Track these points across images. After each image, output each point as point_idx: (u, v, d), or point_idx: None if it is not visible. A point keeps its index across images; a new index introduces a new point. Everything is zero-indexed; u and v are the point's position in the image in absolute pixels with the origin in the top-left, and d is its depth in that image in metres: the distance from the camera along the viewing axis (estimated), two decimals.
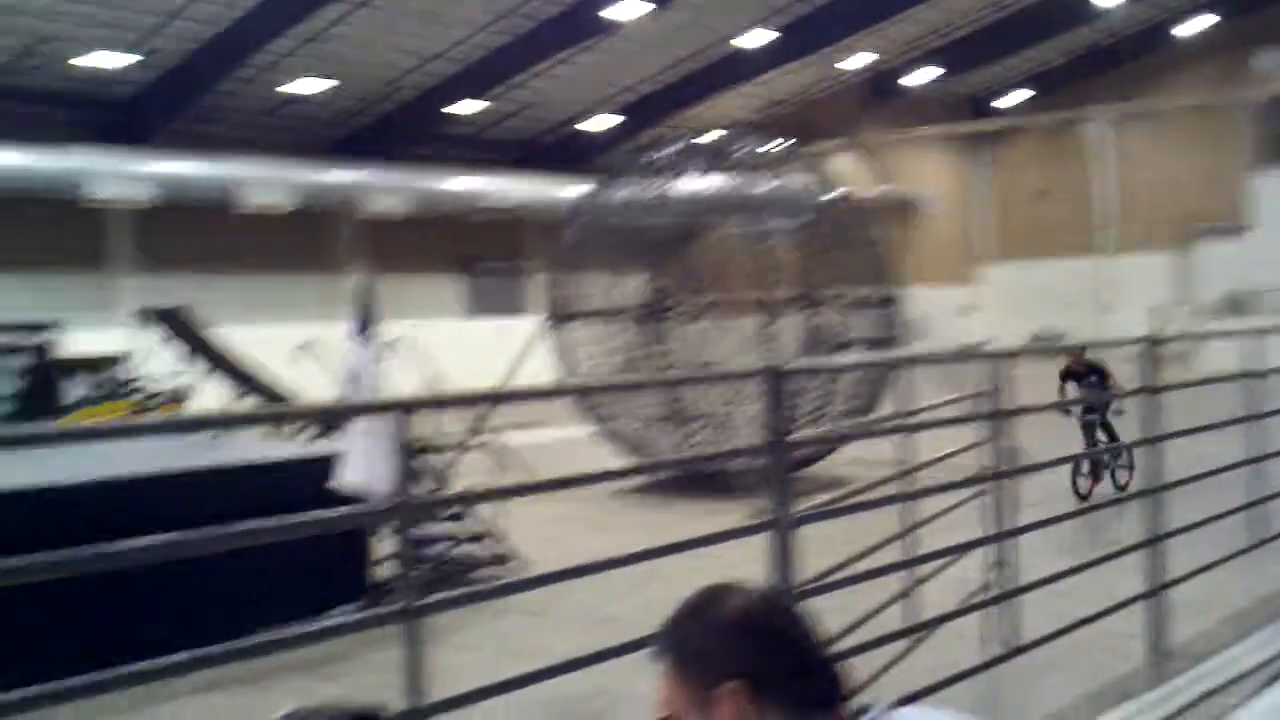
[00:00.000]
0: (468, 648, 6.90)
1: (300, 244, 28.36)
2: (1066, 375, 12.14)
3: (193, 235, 26.14)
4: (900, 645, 5.50)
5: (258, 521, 3.65)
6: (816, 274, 14.71)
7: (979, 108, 40.86)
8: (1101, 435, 12.06)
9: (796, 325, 14.63)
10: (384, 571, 8.80)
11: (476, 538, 9.45)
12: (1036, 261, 39.73)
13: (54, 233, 24.40)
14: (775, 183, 15.04)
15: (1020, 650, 5.68)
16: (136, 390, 18.24)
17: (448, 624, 6.28)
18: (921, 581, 6.29)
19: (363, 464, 7.56)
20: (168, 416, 12.54)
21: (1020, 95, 40.62)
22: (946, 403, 7.17)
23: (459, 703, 3.53)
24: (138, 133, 25.30)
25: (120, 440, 9.28)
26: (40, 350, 17.92)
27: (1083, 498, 11.50)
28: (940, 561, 6.13)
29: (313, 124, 28.95)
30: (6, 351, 17.39)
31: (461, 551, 9.31)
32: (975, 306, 38.22)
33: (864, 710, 1.69)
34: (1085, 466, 11.82)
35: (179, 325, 17.64)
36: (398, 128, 29.68)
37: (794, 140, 18.84)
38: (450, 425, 10.35)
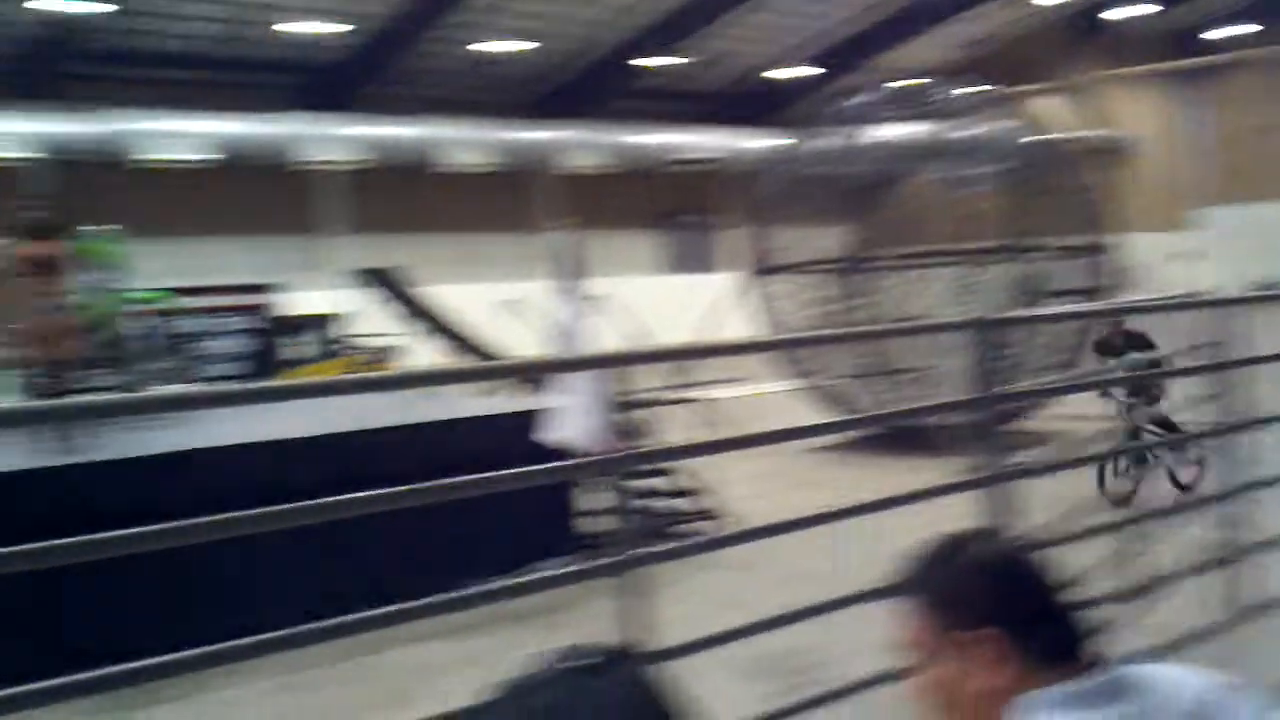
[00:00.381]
0: (676, 601, 6.92)
1: (499, 202, 28.92)
2: (1103, 349, 10.17)
3: (396, 196, 26.93)
4: (1115, 603, 5.35)
5: (482, 475, 3.78)
6: (1020, 222, 14.27)
7: (1192, 43, 38.78)
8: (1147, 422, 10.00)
9: (1000, 275, 14.24)
10: (588, 525, 8.97)
11: (683, 493, 9.54)
12: (1261, 204, 37.52)
13: (266, 196, 25.50)
14: (976, 128, 14.64)
15: (1253, 611, 5.46)
16: (351, 349, 18.95)
17: (655, 577, 6.36)
18: (1146, 539, 6.08)
19: (571, 418, 7.69)
20: (382, 373, 13.01)
21: (1238, 29, 38.40)
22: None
23: (680, 653, 3.59)
24: (340, 97, 26.19)
25: (336, 396, 9.68)
26: (260, 310, 18.78)
27: (1118, 502, 9.38)
28: (1169, 519, 5.91)
29: (509, 83, 29.42)
30: (230, 312, 18.29)
31: (668, 506, 9.40)
32: (1192, 253, 36.43)
33: (1100, 661, 1.67)
34: (1123, 463, 9.72)
35: (393, 286, 18.26)
36: (592, 84, 29.92)
37: (994, 83, 18.29)
38: (652, 381, 10.45)
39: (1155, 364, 9.38)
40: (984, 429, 4.60)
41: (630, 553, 3.72)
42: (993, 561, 1.74)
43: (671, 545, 4.12)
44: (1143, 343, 10.01)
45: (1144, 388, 9.88)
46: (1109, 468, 9.49)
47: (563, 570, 3.91)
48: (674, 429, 9.74)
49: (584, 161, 28.41)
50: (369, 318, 19.54)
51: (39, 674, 2.92)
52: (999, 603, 1.67)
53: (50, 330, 9.06)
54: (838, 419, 10.78)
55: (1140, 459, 9.70)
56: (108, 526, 3.09)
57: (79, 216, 9.97)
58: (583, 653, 1.26)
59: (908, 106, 15.26)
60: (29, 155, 20.93)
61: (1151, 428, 9.89)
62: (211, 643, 3.19)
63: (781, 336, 14.06)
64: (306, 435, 8.34)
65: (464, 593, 3.60)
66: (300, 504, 3.40)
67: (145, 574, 6.37)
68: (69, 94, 22.62)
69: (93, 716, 5.79)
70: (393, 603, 3.47)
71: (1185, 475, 9.66)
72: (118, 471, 7.43)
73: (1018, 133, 14.90)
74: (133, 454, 7.70)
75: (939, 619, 1.70)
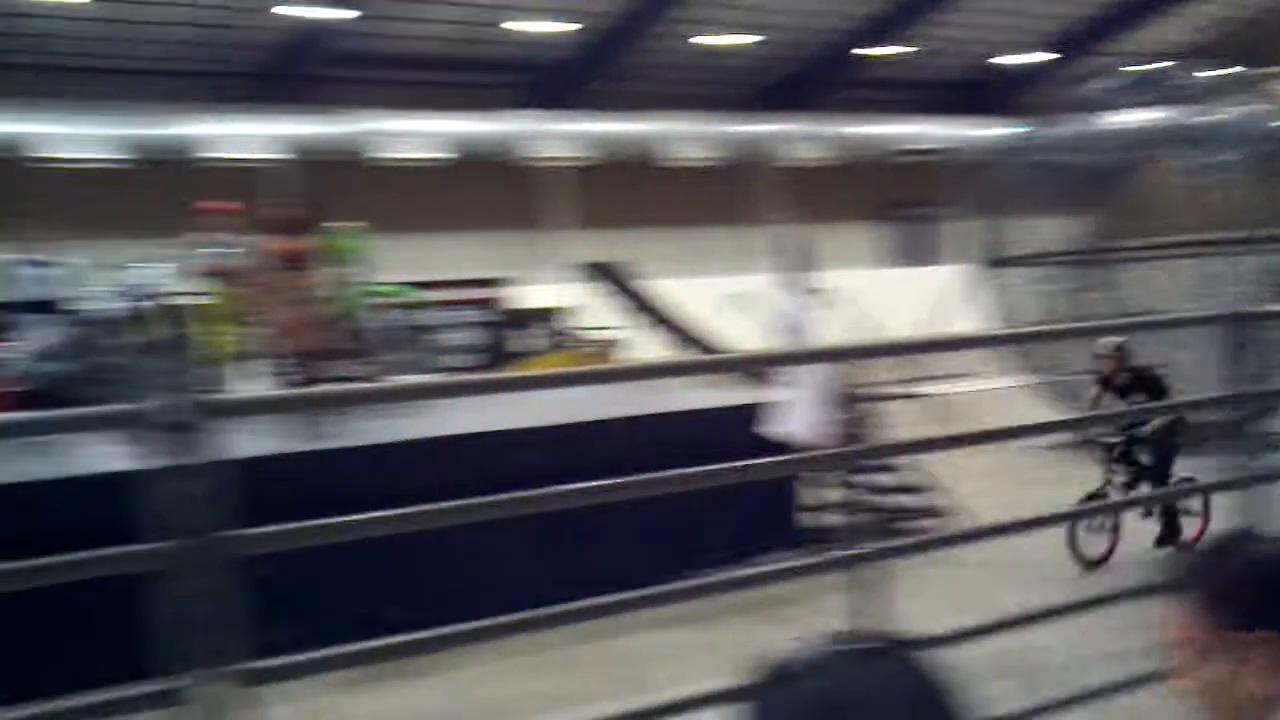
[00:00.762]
0: (907, 596, 6.85)
1: (721, 196, 28.99)
2: (1105, 385, 8.98)
3: (620, 191, 27.31)
4: None
5: (705, 468, 3.81)
6: (1269, 210, 13.50)
7: None
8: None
9: (1248, 266, 13.50)
10: (811, 520, 8.92)
11: (909, 489, 9.40)
12: None
13: (496, 193, 26.23)
14: (1220, 112, 13.92)
15: None
16: (576, 342, 19.30)
17: (884, 572, 6.26)
18: None
19: (796, 412, 7.67)
20: (607, 366, 13.23)
21: None
22: None
23: (930, 646, 3.54)
24: (566, 95, 26.70)
25: (565, 388, 9.87)
26: (491, 304, 19.35)
27: (1090, 564, 8.27)
28: None
29: (732, 76, 29.46)
30: (463, 305, 18.89)
31: (893, 502, 9.28)
32: None
33: None
34: (1099, 517, 8.54)
35: (618, 279, 18.52)
36: (815, 75, 29.68)
37: (1236, 65, 17.33)
38: (878, 375, 10.33)
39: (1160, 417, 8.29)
40: (1237, 428, 4.38)
41: (866, 547, 3.69)
42: (1271, 562, 1.68)
43: (908, 540, 4.06)
44: (1152, 386, 8.75)
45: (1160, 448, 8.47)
46: (1081, 521, 8.36)
47: (796, 563, 3.89)
48: (900, 424, 9.60)
49: (807, 154, 28.22)
50: (594, 311, 19.89)
51: (295, 649, 3.08)
52: (1277, 605, 1.61)
53: (299, 323, 9.53)
54: (1074, 416, 10.41)
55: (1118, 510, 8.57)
56: (351, 510, 3.23)
57: (324, 214, 10.45)
58: (853, 639, 1.25)
59: (1148, 91, 14.62)
60: (277, 156, 22.11)
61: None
62: (449, 624, 3.30)
63: (1014, 330, 13.68)
64: (535, 425, 8.55)
65: (700, 581, 3.64)
66: (530, 492, 3.49)
67: (390, 555, 6.65)
68: (312, 96, 23.77)
69: (345, 690, 6.10)
70: (612, 593, 3.53)
71: (1189, 529, 8.45)
72: (362, 457, 7.78)
73: (1265, 117, 14.11)
74: (375, 441, 8.05)
75: (1212, 618, 1.64)
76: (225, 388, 9.95)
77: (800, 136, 28.08)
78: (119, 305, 12.22)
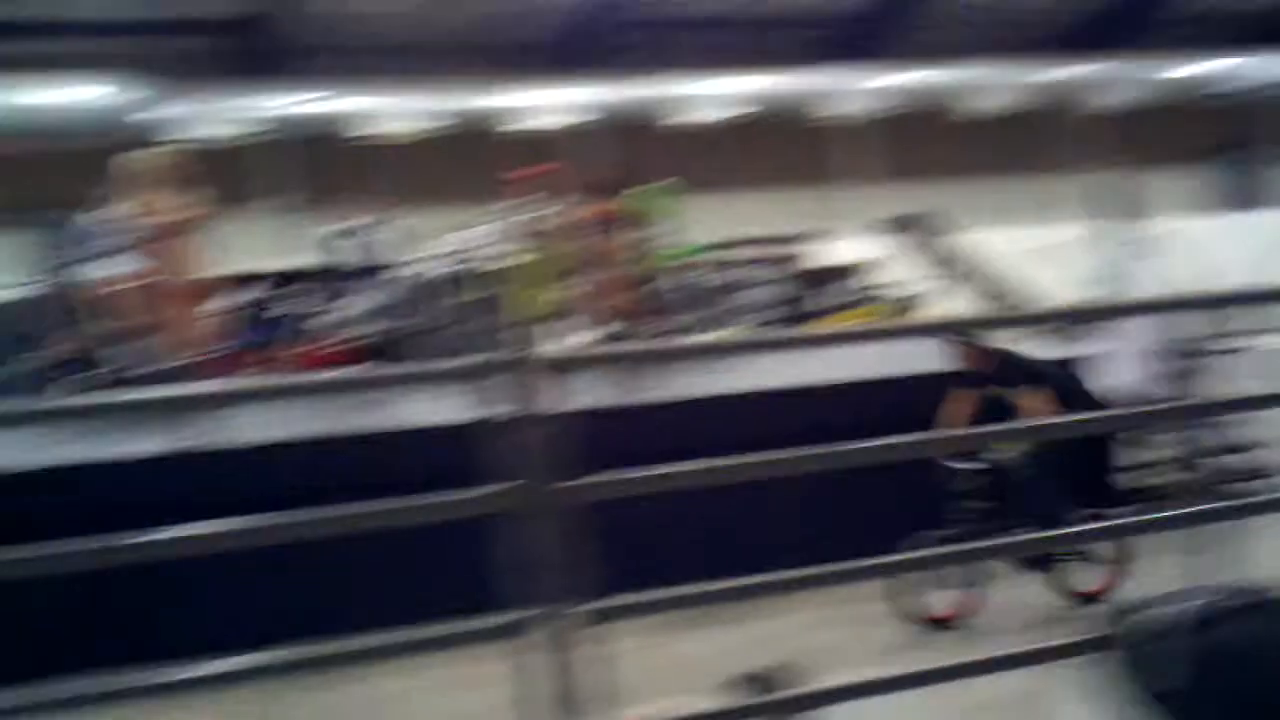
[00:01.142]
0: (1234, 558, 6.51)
1: (1026, 145, 27.92)
2: (971, 380, 7.36)
3: (921, 143, 26.70)
4: None
5: (1022, 422, 3.74)
6: None
7: None
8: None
9: None
10: (1131, 478, 8.60)
11: (1235, 449, 8.91)
12: None
13: (794, 149, 26.12)
14: None
15: None
16: (875, 298, 19.06)
17: (1213, 536, 5.95)
18: None
19: (1121, 366, 7.40)
20: (917, 321, 13.05)
21: None
22: None
23: None
24: (862, 47, 26.26)
25: (869, 343, 9.80)
26: (790, 261, 19.30)
27: (937, 622, 6.75)
28: None
29: (1035, 19, 28.26)
30: (763, 263, 18.93)
31: (1215, 462, 8.83)
32: None
33: None
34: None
35: (920, 232, 18.18)
36: (1126, 14, 28.12)
37: None
38: (1212, 327, 9.79)
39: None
40: None
41: (1196, 506, 3.55)
42: None
43: (1240, 501, 3.86)
44: (1023, 371, 7.14)
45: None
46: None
47: (1123, 521, 3.78)
48: (1231, 380, 9.07)
49: (1119, 97, 26.79)
50: (895, 266, 19.59)
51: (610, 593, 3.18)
52: None
53: (611, 283, 9.86)
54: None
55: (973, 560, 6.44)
56: (662, 461, 3.32)
57: (632, 176, 10.70)
58: (1234, 593, 1.23)
59: None
60: (581, 121, 22.79)
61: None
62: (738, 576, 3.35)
63: None
64: (842, 380, 8.57)
65: (1027, 536, 3.60)
66: (843, 446, 3.47)
67: (680, 507, 6.79)
68: (608, 63, 24.26)
69: (650, 634, 6.30)
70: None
71: (1090, 580, 7.01)
72: (675, 411, 8.02)
73: None
74: (685, 395, 8.27)
75: None
76: (544, 346, 10.36)
77: (1112, 79, 26.68)
78: (441, 269, 12.87)
